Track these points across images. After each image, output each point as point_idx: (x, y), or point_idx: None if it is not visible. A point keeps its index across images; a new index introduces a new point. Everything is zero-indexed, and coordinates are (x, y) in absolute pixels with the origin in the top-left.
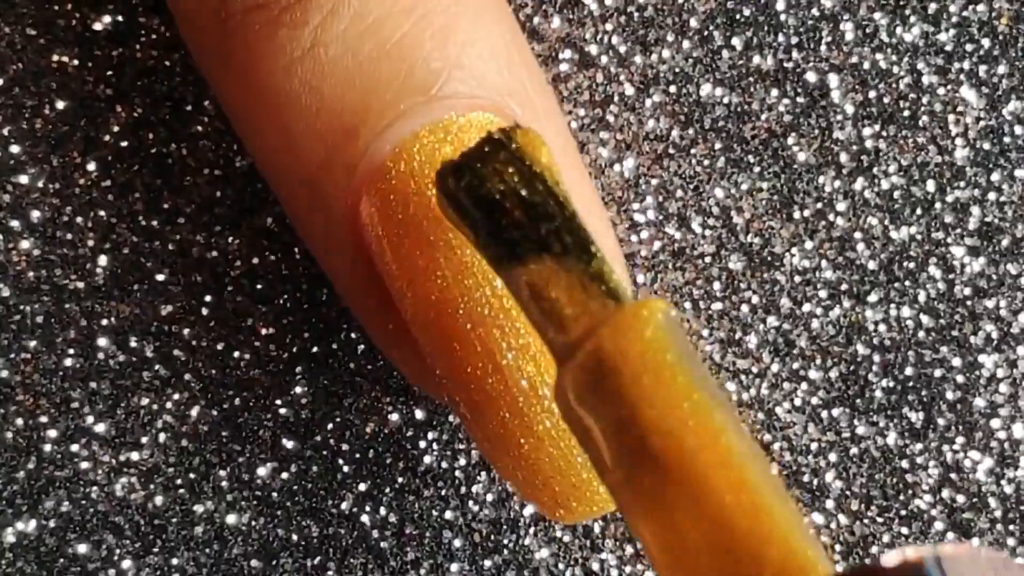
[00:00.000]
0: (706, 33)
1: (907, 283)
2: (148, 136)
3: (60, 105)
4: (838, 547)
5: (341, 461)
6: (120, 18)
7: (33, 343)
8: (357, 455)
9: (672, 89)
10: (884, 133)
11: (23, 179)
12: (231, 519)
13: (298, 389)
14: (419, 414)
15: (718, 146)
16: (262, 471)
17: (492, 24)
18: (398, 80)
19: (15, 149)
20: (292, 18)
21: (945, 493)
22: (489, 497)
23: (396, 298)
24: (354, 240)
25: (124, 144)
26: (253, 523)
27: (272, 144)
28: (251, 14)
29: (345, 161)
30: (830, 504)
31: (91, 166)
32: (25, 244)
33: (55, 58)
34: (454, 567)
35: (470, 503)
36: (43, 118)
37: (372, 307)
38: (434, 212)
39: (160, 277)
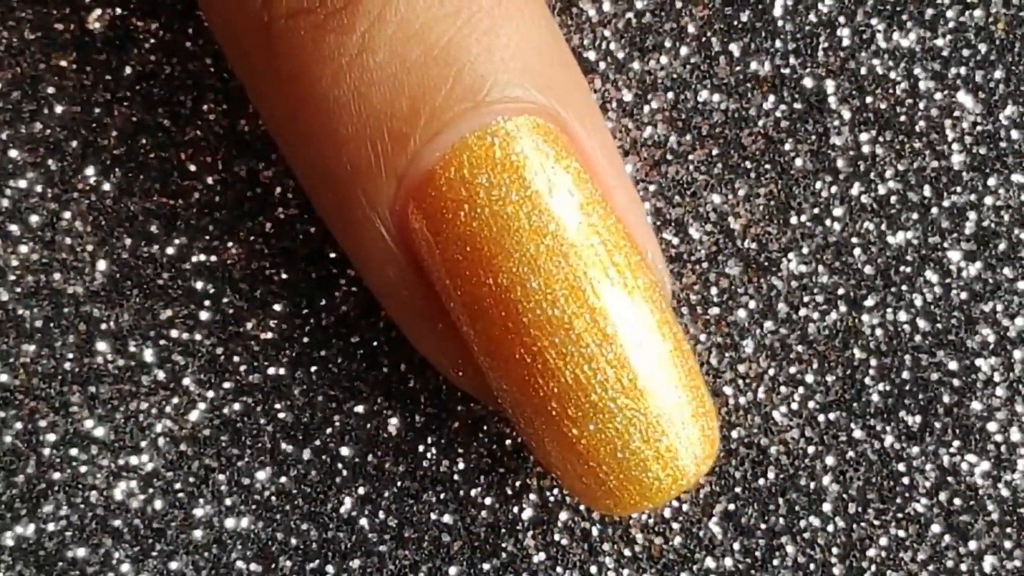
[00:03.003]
0: (704, 39)
1: (904, 287)
2: (146, 141)
3: (58, 109)
4: (835, 549)
5: (340, 465)
6: (118, 22)
7: (32, 347)
8: (356, 459)
9: (670, 95)
10: (881, 138)
11: (21, 183)
12: (230, 523)
13: (297, 393)
14: (418, 418)
15: (715, 152)
16: (261, 475)
17: (535, 23)
18: (446, 86)
19: (13, 153)
20: (339, 24)
21: (942, 496)
22: (488, 500)
23: (447, 301)
24: (403, 246)
25: (123, 149)
26: (252, 527)
27: (319, 150)
28: (296, 18)
29: (394, 168)
30: (827, 507)
31: (89, 170)
32: (24, 248)
33: (53, 62)
34: (453, 570)
35: (469, 507)
36: (41, 122)
37: (420, 312)
38: (485, 218)
39: (159, 282)
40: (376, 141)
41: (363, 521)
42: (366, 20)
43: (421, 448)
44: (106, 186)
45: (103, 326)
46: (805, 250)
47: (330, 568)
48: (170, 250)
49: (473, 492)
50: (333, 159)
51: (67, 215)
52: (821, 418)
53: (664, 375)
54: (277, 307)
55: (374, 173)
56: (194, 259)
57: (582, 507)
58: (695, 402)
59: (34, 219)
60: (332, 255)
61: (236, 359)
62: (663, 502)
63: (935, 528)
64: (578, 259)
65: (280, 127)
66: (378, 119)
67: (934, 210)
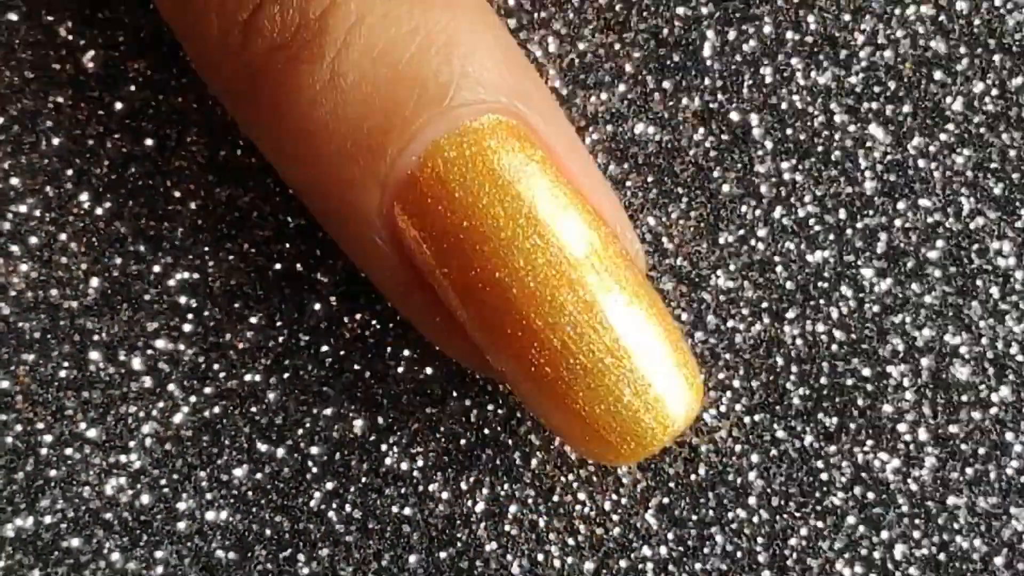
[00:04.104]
0: (639, 77)
1: (821, 301)
2: (135, 169)
3: (55, 141)
4: (760, 539)
5: (310, 463)
6: (110, 63)
7: (31, 356)
8: (325, 457)
9: (609, 128)
10: (800, 167)
11: (22, 208)
12: (210, 515)
13: (271, 397)
14: (380, 420)
15: (650, 179)
16: (239, 472)
17: (487, 32)
18: (413, 98)
19: (15, 181)
20: (310, 54)
21: (857, 490)
22: (444, 495)
23: (439, 291)
24: (395, 247)
25: (113, 177)
26: (230, 519)
27: (308, 172)
28: (274, 54)
29: (377, 177)
30: (752, 501)
31: (83, 196)
32: (24, 267)
33: (51, 99)
34: (412, 558)
35: (427, 500)
36: (40, 153)
37: (418, 304)
38: (463, 209)
39: (147, 297)
40: (357, 156)
41: (331, 514)
42: (333, 48)
43: (384, 447)
44: (98, 210)
45: (95, 337)
46: (732, 267)
47: (301, 556)
48: (156, 268)
49: (431, 487)
50: (323, 178)
51: (63, 237)
52: (747, 419)
53: (644, 332)
54: (253, 320)
55: (359, 185)
56: (178, 276)
57: (530, 501)
58: (676, 354)
59: (33, 240)
60: (303, 272)
61: (216, 367)
62: (658, 449)
63: (850, 519)
64: (553, 236)
65: (273, 155)
66: (356, 135)
67: (848, 231)
